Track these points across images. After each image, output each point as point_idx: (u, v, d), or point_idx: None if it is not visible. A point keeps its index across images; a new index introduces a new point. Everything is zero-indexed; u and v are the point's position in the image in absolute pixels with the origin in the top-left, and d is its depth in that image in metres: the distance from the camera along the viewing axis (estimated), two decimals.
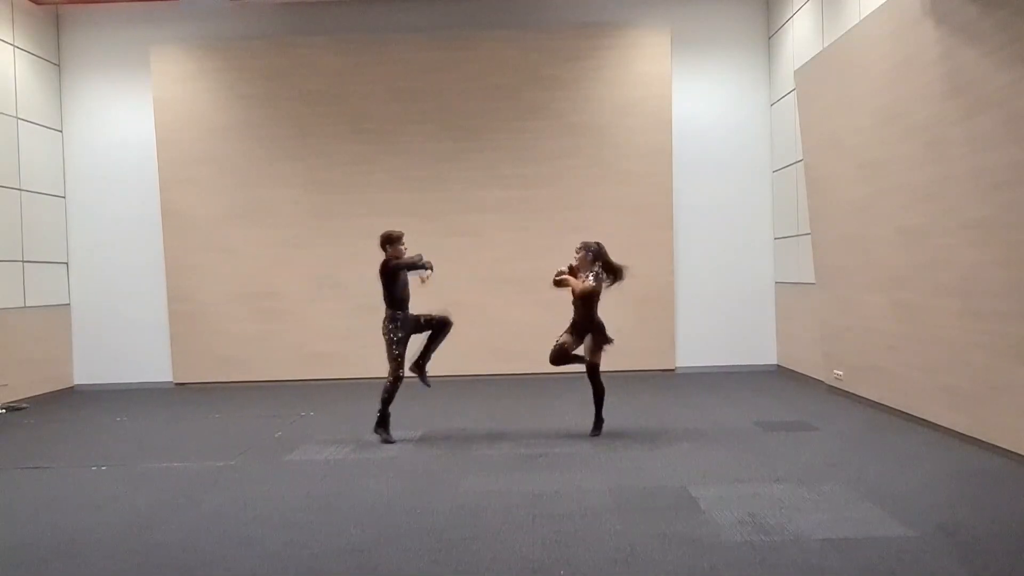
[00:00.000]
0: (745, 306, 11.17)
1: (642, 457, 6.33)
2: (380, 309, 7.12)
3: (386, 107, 11.02)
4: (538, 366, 10.45)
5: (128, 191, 11.19)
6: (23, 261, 10.28)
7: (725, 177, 11.16)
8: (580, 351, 7.03)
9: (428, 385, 7.28)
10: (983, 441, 6.30)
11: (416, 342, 7.19)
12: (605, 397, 7.14)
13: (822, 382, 9.36)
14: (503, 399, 9.27)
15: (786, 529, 4.57)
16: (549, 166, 11.00)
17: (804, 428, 7.31)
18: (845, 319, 8.59)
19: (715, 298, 11.17)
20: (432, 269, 7.05)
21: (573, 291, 6.97)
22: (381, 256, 7.11)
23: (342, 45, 11.03)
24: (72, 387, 11.13)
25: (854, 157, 8.01)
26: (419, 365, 7.22)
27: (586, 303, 6.94)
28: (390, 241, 7.15)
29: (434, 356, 7.28)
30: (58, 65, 11.22)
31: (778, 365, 11.05)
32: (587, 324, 6.97)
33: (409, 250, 7.17)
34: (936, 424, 6.97)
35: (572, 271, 7.03)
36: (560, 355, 7.02)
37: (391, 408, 7.14)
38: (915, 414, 7.32)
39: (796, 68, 9.62)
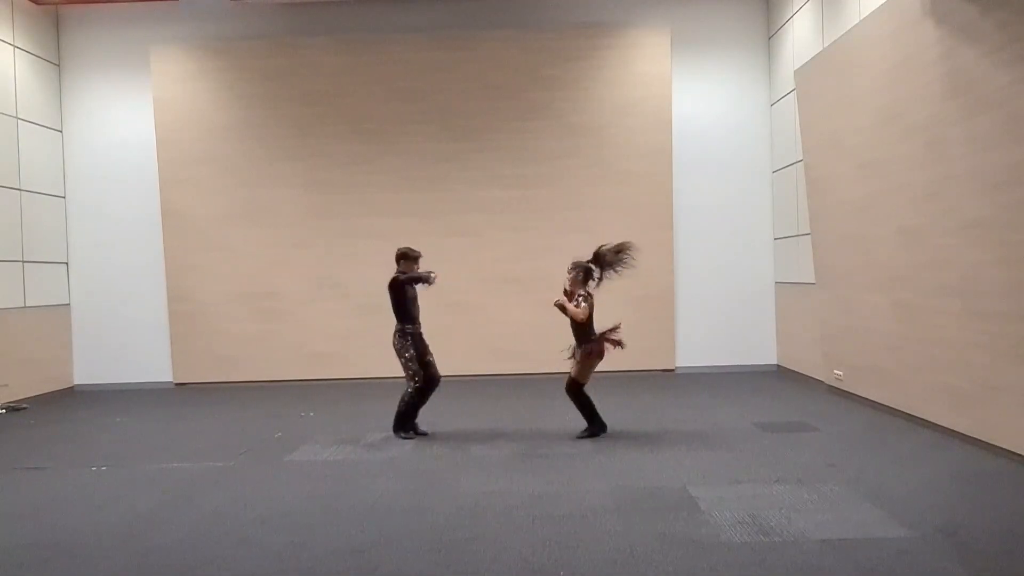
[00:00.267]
0: (745, 306, 11.16)
1: (642, 457, 6.33)
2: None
3: (386, 107, 11.02)
4: (538, 366, 10.58)
5: (128, 191, 11.20)
6: (23, 261, 10.28)
7: (725, 177, 11.16)
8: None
9: (425, 434, 7.33)
10: (983, 441, 6.30)
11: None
12: (595, 406, 7.11)
13: (822, 382, 9.36)
14: (503, 399, 9.27)
15: (786, 530, 4.57)
16: (549, 166, 11.00)
17: (804, 428, 7.31)
18: (845, 319, 8.58)
19: (715, 298, 11.17)
20: (433, 283, 7.08)
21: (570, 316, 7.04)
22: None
23: (342, 45, 11.03)
24: (72, 387, 11.13)
25: (854, 157, 8.00)
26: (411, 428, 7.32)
27: (581, 324, 6.99)
28: (405, 258, 7.21)
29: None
30: (58, 65, 11.22)
31: (778, 365, 11.05)
32: (584, 341, 7.00)
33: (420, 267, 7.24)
34: (936, 424, 6.97)
35: (567, 293, 7.07)
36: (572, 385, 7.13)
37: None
38: (915, 414, 7.32)
39: (796, 68, 9.62)
